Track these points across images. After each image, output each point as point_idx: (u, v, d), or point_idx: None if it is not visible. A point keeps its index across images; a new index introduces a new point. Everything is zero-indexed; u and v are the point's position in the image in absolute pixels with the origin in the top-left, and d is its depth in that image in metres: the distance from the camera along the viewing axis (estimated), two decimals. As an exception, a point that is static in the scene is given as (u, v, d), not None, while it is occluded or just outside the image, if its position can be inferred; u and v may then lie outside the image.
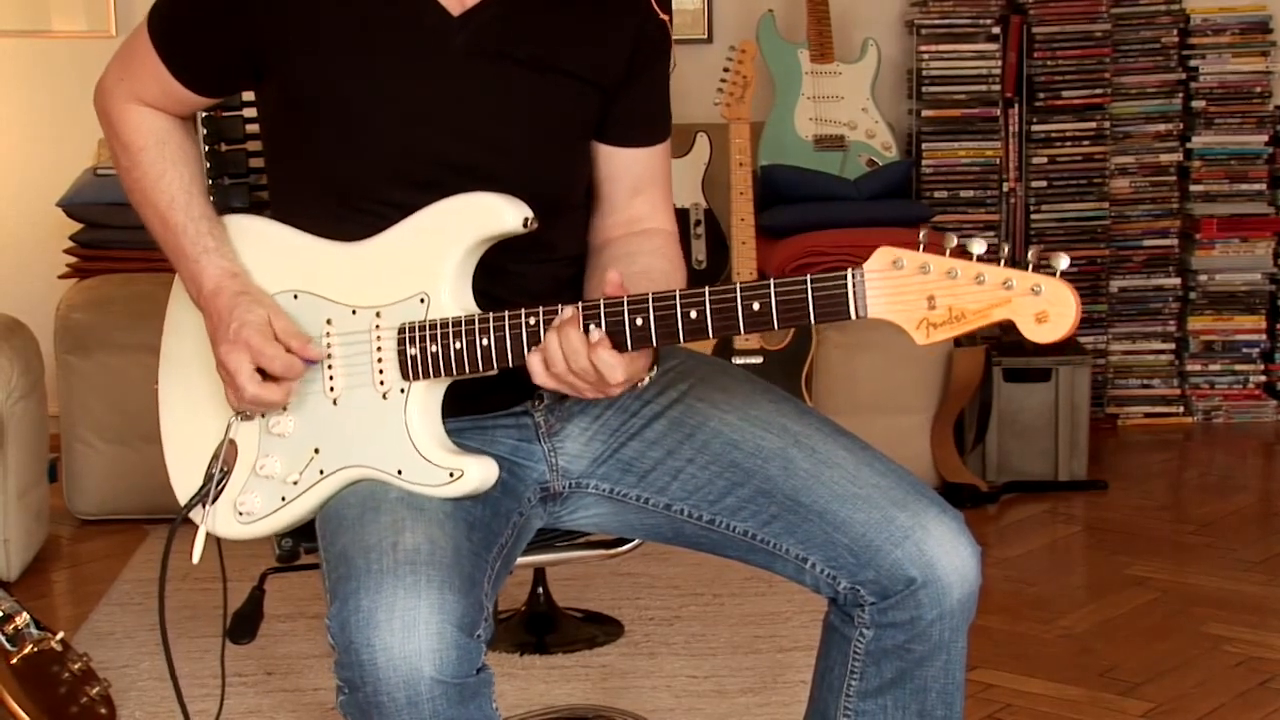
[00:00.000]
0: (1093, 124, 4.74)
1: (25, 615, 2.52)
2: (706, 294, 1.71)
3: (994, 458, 4.26)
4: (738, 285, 1.70)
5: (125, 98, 1.99)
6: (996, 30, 4.71)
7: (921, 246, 1.61)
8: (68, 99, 4.69)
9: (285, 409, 1.90)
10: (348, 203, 1.91)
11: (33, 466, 3.62)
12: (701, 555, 2.01)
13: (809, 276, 1.66)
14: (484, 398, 1.92)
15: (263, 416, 1.92)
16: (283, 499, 1.90)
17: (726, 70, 4.03)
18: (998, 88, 4.71)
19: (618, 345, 1.74)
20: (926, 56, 4.71)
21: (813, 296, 1.66)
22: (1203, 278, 4.85)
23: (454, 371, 1.82)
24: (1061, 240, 4.72)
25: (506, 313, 1.79)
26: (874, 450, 1.89)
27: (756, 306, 1.69)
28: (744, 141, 4.01)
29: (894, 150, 4.62)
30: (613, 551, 2.18)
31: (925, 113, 4.72)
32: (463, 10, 1.89)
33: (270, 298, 1.91)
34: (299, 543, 2.03)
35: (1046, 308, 1.58)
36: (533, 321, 1.78)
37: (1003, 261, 1.59)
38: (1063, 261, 1.57)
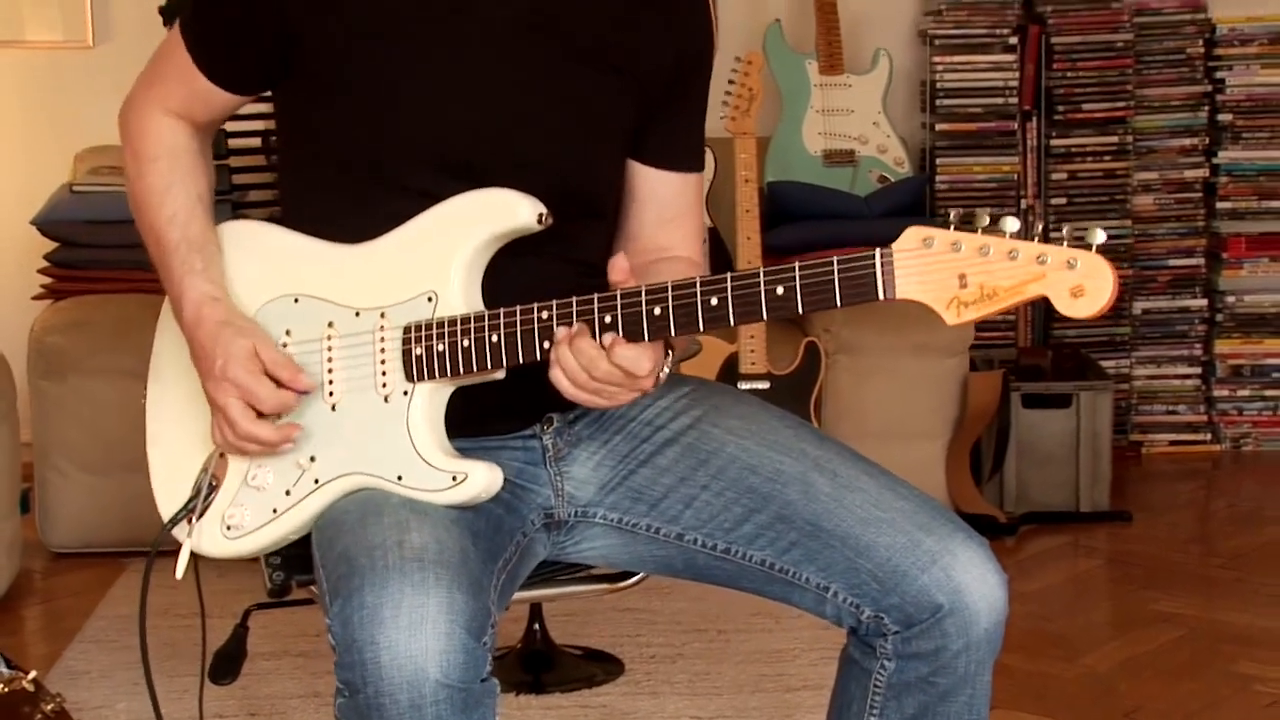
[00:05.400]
0: (1114, 138, 4.76)
1: (-5, 653, 2.52)
2: (729, 279, 1.71)
3: (1012, 487, 4.26)
4: (760, 269, 1.70)
5: (149, 105, 2.01)
6: (1014, 40, 4.72)
7: (953, 226, 1.62)
8: (43, 112, 4.71)
9: (288, 446, 1.89)
10: (368, 188, 1.91)
11: (4, 497, 3.61)
12: (705, 589, 2.01)
13: (835, 258, 1.66)
14: (490, 420, 1.92)
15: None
16: (274, 511, 1.89)
17: (732, 82, 4.04)
18: (1015, 100, 4.73)
19: (633, 337, 1.74)
20: (940, 68, 4.73)
21: (839, 278, 1.66)
22: (1230, 299, 4.86)
23: (460, 370, 1.82)
24: (1082, 260, 4.73)
25: (518, 307, 1.79)
26: (895, 476, 1.89)
27: (780, 290, 1.69)
28: (750, 157, 4.01)
29: (906, 166, 4.64)
30: (615, 586, 2.16)
31: (939, 126, 4.73)
32: None
33: (256, 325, 1.91)
34: (290, 575, 2.01)
35: (1083, 281, 1.58)
36: (545, 316, 1.78)
37: (1036, 238, 1.59)
38: (1099, 236, 1.58)
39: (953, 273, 1.62)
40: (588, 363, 1.75)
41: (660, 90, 1.99)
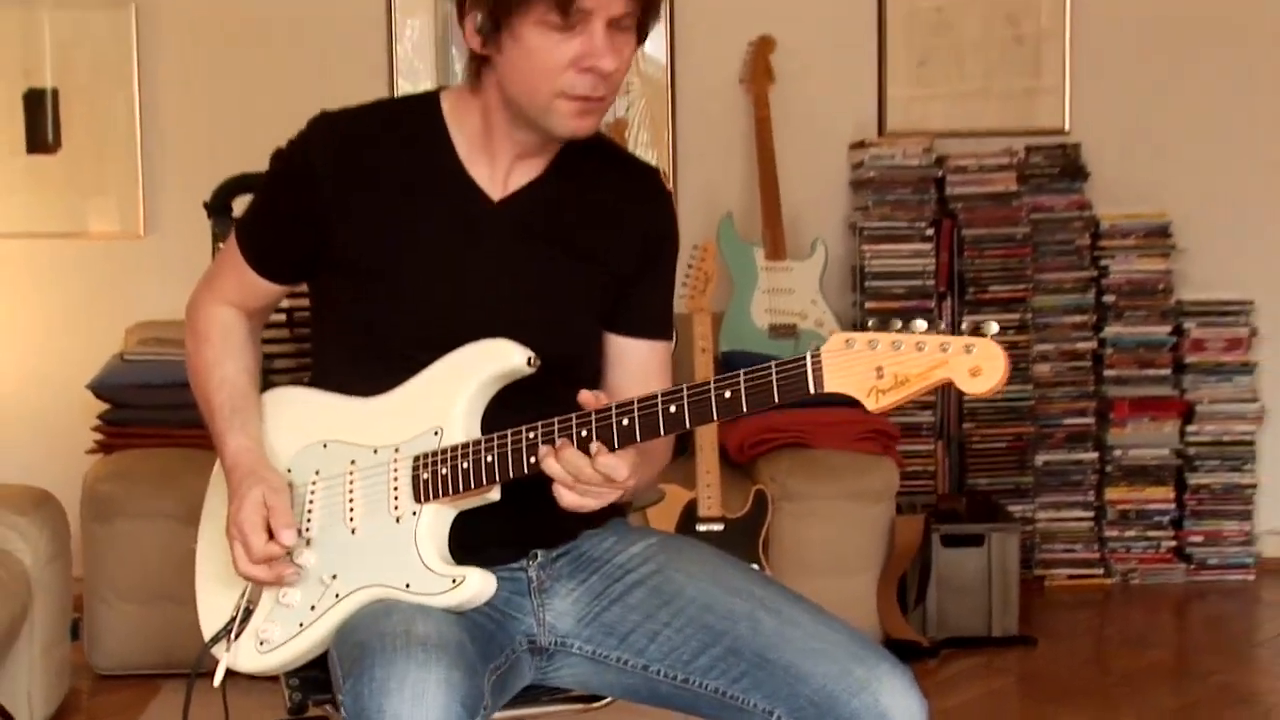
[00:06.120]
0: (1017, 315, 4.78)
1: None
2: (684, 389, 1.75)
3: (934, 615, 4.24)
4: (711, 380, 1.73)
5: (209, 296, 2.08)
6: (930, 232, 4.77)
7: (871, 329, 1.66)
8: (100, 292, 4.73)
9: (291, 576, 1.90)
10: (380, 357, 1.95)
11: (57, 624, 3.57)
12: (667, 713, 2.00)
13: (774, 364, 1.70)
14: (485, 550, 1.92)
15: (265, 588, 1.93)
16: (300, 625, 1.89)
17: (690, 266, 4.07)
18: (932, 283, 4.76)
19: (605, 443, 1.77)
20: (868, 255, 4.77)
21: (776, 379, 1.69)
22: (1117, 453, 4.87)
23: (460, 488, 1.84)
24: (991, 419, 4.75)
25: (509, 431, 1.82)
26: (830, 613, 1.90)
27: (728, 394, 1.72)
28: (706, 330, 4.03)
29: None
30: (588, 707, 2.14)
31: (868, 304, 4.76)
32: (502, 197, 1.97)
33: (275, 474, 1.95)
34: (308, 695, 1.99)
35: (979, 363, 1.62)
36: (532, 436, 1.81)
37: (940, 334, 1.63)
38: (993, 327, 1.62)
39: (870, 366, 1.65)
40: (574, 470, 1.78)
41: (629, 272, 2.03)
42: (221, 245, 2.36)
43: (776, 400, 1.70)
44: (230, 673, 1.94)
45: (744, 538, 3.92)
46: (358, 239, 1.95)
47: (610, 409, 1.77)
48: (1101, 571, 4.87)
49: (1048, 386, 4.84)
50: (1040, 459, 4.84)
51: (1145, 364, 4.87)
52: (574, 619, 1.97)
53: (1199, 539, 4.91)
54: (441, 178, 1.97)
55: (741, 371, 1.71)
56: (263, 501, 1.90)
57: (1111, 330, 4.86)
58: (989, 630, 4.22)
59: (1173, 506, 4.89)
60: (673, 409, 1.75)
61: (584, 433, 1.78)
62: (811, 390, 1.68)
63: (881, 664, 1.80)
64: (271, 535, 1.89)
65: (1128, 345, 4.87)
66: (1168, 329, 4.87)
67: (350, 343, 2.00)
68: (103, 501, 3.88)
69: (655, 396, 1.75)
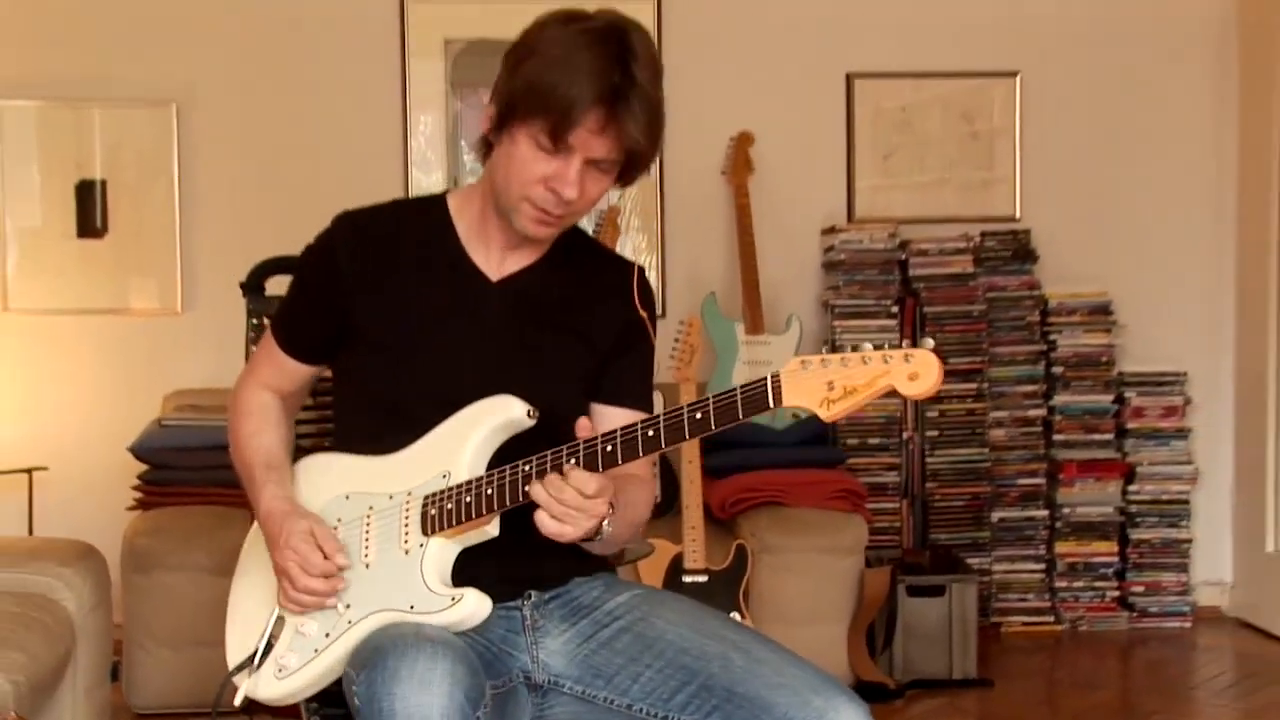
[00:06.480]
0: (974, 385, 4.81)
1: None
2: (661, 417, 1.79)
3: (900, 659, 4.24)
4: (684, 405, 1.78)
5: (250, 381, 2.16)
6: (895, 309, 4.80)
7: (826, 351, 1.74)
8: (140, 363, 4.74)
9: (331, 600, 1.94)
10: (392, 420, 2.00)
11: (99, 666, 3.55)
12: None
13: (738, 386, 1.75)
14: (486, 586, 1.94)
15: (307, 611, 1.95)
16: (315, 651, 1.92)
17: (677, 340, 4.10)
18: (896, 356, 4.77)
19: (590, 468, 1.82)
20: (839, 330, 4.79)
21: (740, 399, 1.74)
22: (1066, 510, 4.88)
23: (463, 518, 1.88)
24: (951, 479, 4.76)
25: (507, 466, 1.87)
26: (796, 654, 1.93)
27: (699, 415, 1.76)
28: (692, 397, 4.03)
29: (813, 406, 4.67)
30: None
31: (838, 376, 4.76)
32: (499, 278, 2.05)
33: (314, 514, 2.00)
34: (325, 708, 2.00)
35: (916, 369, 1.69)
36: (527, 469, 1.85)
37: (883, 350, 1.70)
38: (929, 342, 1.70)
39: (822, 381, 1.72)
40: (555, 490, 1.81)
41: (608, 349, 2.09)
42: (254, 321, 2.41)
43: (741, 416, 1.74)
44: (253, 705, 1.96)
45: (726, 588, 3.93)
46: (375, 319, 2.02)
47: (596, 439, 1.83)
48: (1052, 619, 4.88)
49: (1003, 450, 4.86)
50: (996, 516, 4.85)
51: (1090, 429, 4.89)
52: (565, 658, 2.00)
53: (1140, 589, 4.92)
54: (446, 262, 2.05)
55: (710, 395, 1.76)
56: (310, 531, 1.94)
57: (1060, 399, 4.89)
58: (950, 673, 4.22)
59: (1116, 559, 4.90)
60: (650, 433, 1.79)
61: (573, 460, 1.83)
62: (771, 405, 1.73)
63: (839, 696, 1.83)
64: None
65: (1074, 412, 4.90)
66: (1110, 398, 4.90)
67: (368, 408, 2.05)
68: (141, 554, 3.88)
69: (635, 425, 1.81)
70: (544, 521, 1.83)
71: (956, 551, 4.65)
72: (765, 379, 1.73)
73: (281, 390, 2.15)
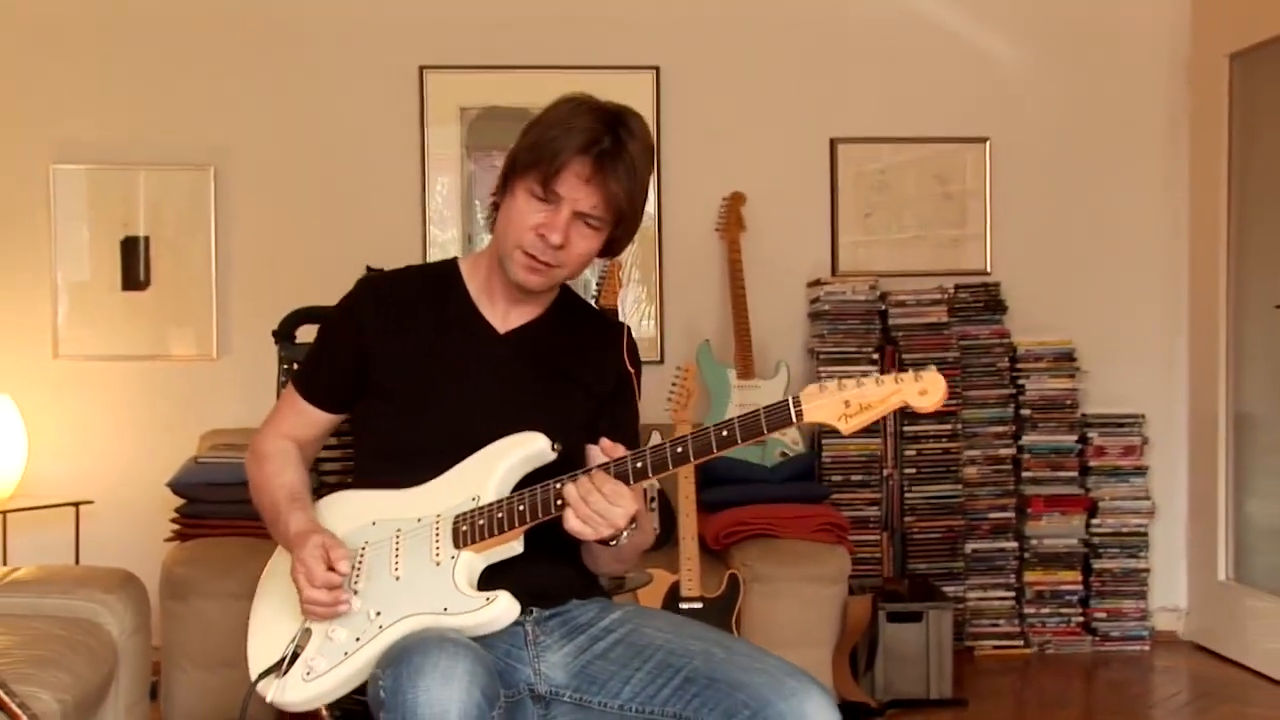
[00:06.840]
0: (949, 426, 4.80)
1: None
2: (689, 436, 1.84)
3: (880, 681, 4.21)
4: (710, 425, 1.82)
5: (271, 431, 2.17)
6: (876, 356, 4.79)
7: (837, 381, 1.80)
8: (178, 405, 4.73)
9: (343, 607, 1.92)
10: (414, 458, 2.01)
11: (139, 686, 3.52)
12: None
13: (762, 407, 1.80)
14: None
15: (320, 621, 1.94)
16: (345, 654, 1.90)
17: (674, 384, 4.09)
18: (876, 399, 4.76)
19: (622, 480, 1.85)
20: (824, 375, 4.76)
21: (765, 418, 1.80)
22: (1034, 542, 4.87)
23: (494, 532, 1.89)
24: (927, 513, 4.74)
25: (538, 486, 1.89)
26: (772, 652, 1.95)
27: (725, 433, 1.82)
28: (688, 438, 4.04)
29: (801, 445, 4.67)
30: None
31: (823, 417, 4.75)
32: (506, 330, 2.10)
33: (331, 533, 1.99)
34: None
35: (925, 385, 1.77)
36: (559, 485, 1.88)
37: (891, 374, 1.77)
38: (931, 367, 1.77)
39: (840, 400, 1.78)
40: (585, 492, 1.85)
41: (604, 395, 2.14)
42: (285, 365, 2.41)
43: (765, 433, 1.80)
44: (280, 713, 1.94)
45: (720, 614, 3.90)
46: (393, 371, 2.06)
47: (626, 457, 1.86)
48: (1022, 643, 4.85)
49: (975, 486, 4.85)
50: (969, 547, 4.83)
51: (1056, 467, 4.88)
52: (564, 670, 2.01)
53: (1103, 615, 4.89)
54: (458, 317, 2.10)
55: (735, 416, 1.81)
56: (321, 544, 1.94)
57: (1028, 439, 4.88)
58: (928, 693, 4.19)
59: (1080, 588, 4.88)
60: (679, 449, 1.84)
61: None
62: (794, 422, 1.79)
63: (811, 685, 1.85)
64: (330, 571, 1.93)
65: (1042, 451, 4.88)
66: (1074, 438, 4.89)
67: (390, 453, 2.07)
68: (178, 582, 3.86)
69: (664, 444, 1.85)
70: (569, 518, 1.86)
71: (933, 580, 4.63)
72: (788, 400, 1.80)
73: (300, 438, 2.17)
